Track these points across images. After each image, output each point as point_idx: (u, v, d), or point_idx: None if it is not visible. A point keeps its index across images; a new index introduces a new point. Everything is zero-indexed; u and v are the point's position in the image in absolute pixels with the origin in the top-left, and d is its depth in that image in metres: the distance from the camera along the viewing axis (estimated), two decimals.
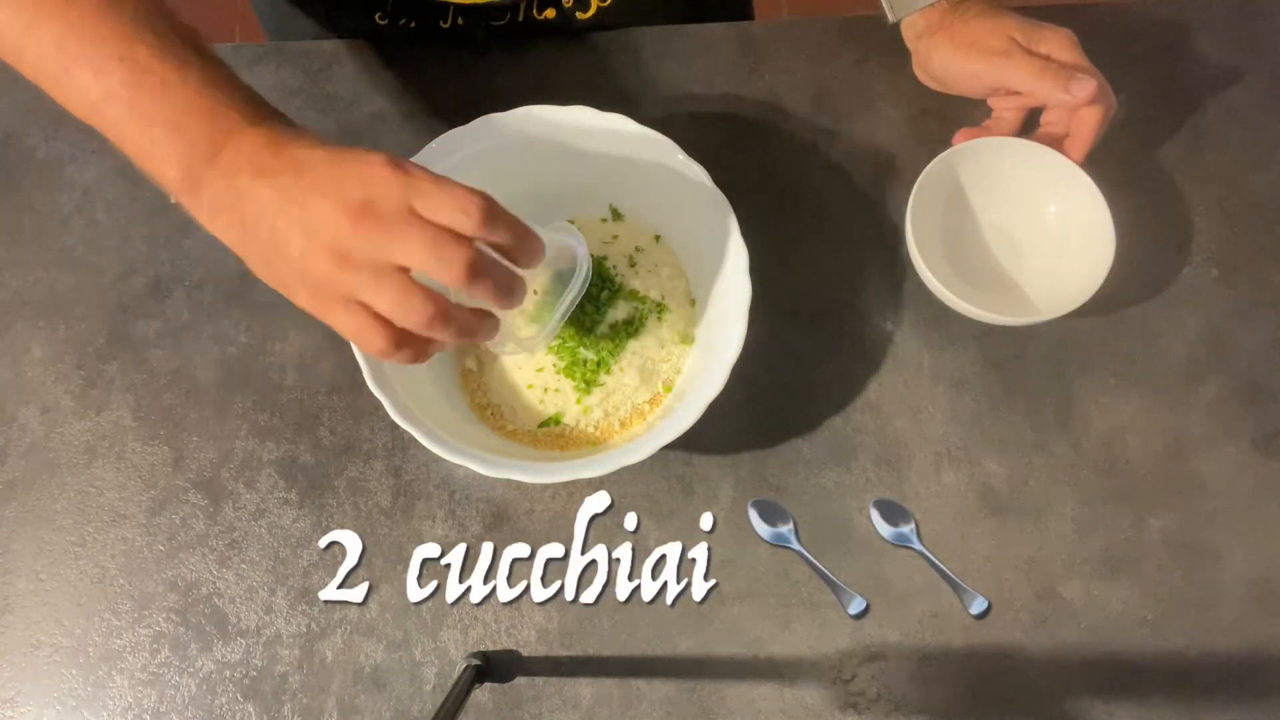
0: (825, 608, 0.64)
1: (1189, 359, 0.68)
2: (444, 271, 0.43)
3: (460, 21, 0.76)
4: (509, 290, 0.46)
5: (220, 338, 0.70)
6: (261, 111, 0.46)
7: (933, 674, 0.62)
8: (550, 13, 0.76)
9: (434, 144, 0.62)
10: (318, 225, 0.43)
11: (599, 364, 0.64)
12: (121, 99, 0.45)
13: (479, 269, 0.44)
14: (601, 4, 0.77)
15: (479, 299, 0.46)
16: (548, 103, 0.63)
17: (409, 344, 0.45)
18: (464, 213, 0.43)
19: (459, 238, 0.43)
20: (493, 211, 0.44)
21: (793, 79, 0.75)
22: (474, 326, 0.47)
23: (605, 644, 0.63)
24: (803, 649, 0.63)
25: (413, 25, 0.76)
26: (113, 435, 0.68)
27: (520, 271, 0.47)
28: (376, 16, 0.77)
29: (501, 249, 0.46)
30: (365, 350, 0.48)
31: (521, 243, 0.46)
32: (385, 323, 0.44)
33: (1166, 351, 0.68)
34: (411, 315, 0.44)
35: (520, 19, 0.76)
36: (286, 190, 0.43)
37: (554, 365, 0.65)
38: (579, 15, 0.77)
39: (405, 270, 0.43)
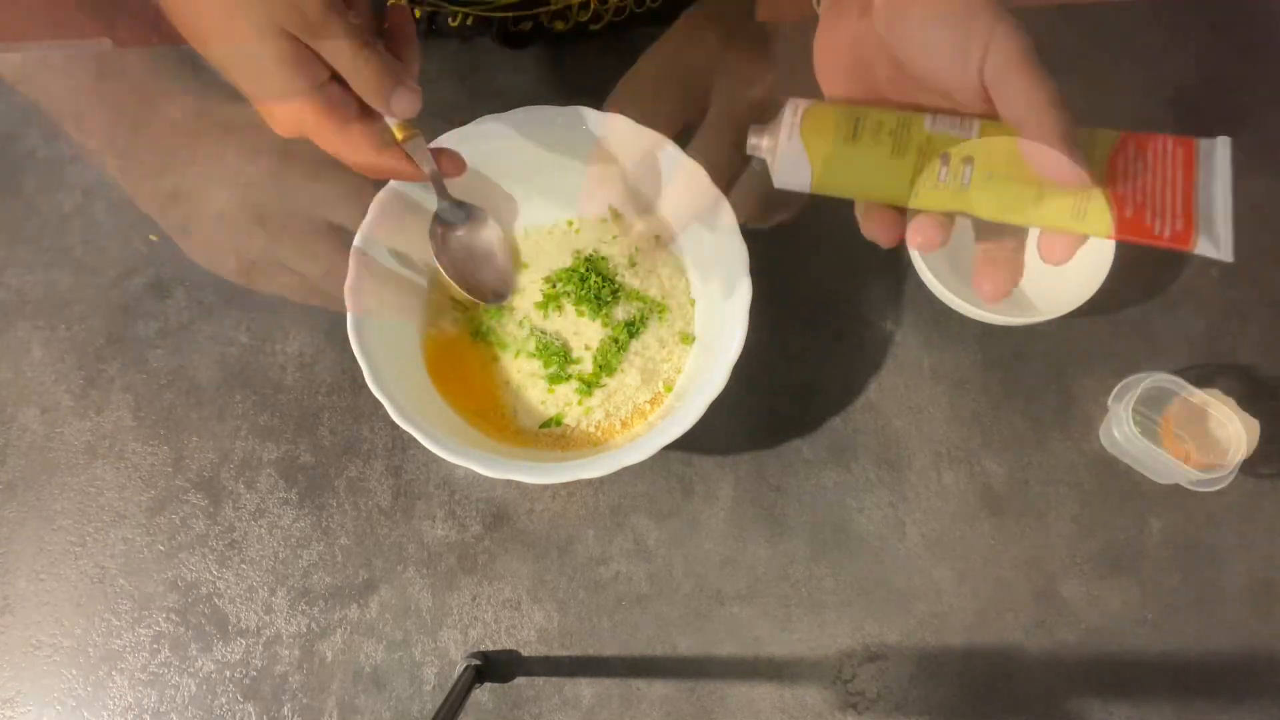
0: (825, 608, 0.64)
1: (1189, 359, 0.68)
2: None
3: (469, 22, 0.75)
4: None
5: (220, 338, 0.70)
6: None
7: (933, 674, 0.63)
8: (560, 25, 0.76)
9: (433, 145, 0.62)
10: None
11: (600, 365, 0.64)
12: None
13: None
14: (614, 20, 0.76)
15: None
16: (547, 103, 0.62)
17: None
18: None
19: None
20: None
21: None
22: None
23: (605, 644, 0.63)
24: (803, 649, 0.63)
25: (417, 15, 0.76)
26: (113, 435, 0.68)
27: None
28: None
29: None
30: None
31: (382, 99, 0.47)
32: None
33: (1166, 352, 0.68)
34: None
35: (530, 29, 0.76)
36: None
37: None
38: (592, 28, 0.76)
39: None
